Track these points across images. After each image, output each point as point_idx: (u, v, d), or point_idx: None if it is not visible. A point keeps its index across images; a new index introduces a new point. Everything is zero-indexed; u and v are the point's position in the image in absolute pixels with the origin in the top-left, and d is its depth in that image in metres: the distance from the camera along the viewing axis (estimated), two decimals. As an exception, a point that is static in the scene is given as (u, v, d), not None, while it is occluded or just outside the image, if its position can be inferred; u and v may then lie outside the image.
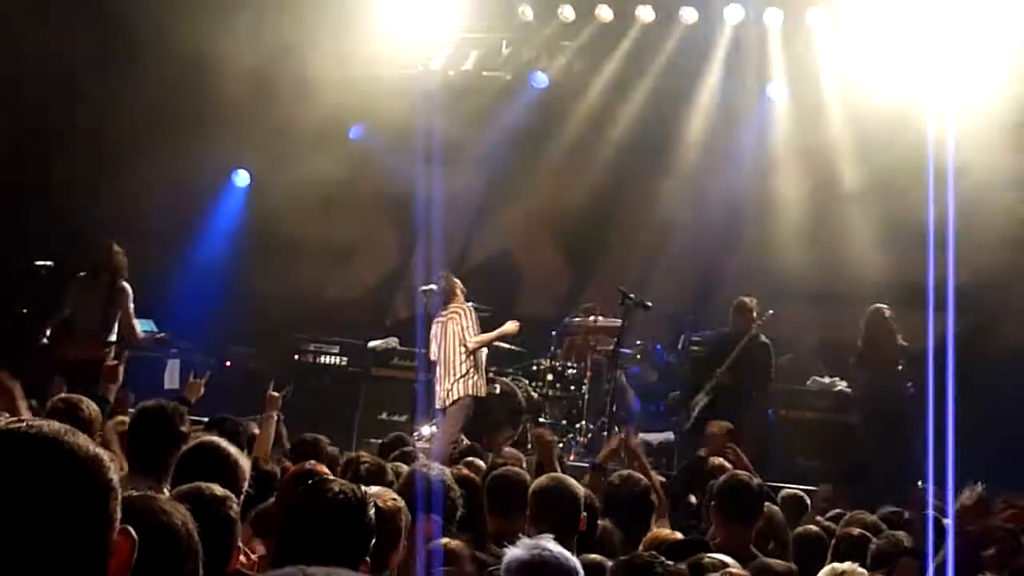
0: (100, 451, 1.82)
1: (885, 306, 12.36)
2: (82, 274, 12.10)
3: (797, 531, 6.80)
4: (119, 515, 1.81)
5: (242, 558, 3.78)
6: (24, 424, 1.80)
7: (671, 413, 13.67)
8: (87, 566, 1.76)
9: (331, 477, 4.39)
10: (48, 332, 11.72)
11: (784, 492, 8.28)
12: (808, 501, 8.36)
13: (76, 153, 13.30)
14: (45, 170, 13.39)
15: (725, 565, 4.73)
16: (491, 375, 13.14)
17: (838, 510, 8.06)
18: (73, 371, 10.72)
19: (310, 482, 4.46)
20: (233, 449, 4.40)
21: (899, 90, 13.27)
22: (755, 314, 12.40)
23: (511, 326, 12.38)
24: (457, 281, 12.38)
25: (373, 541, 3.75)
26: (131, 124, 14.25)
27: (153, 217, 13.51)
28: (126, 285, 12.03)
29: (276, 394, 8.01)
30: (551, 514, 5.27)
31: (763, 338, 12.41)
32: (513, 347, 13.83)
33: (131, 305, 12.09)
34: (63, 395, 6.05)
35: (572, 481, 5.79)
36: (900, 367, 12.27)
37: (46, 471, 1.74)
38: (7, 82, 13.83)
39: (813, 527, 6.98)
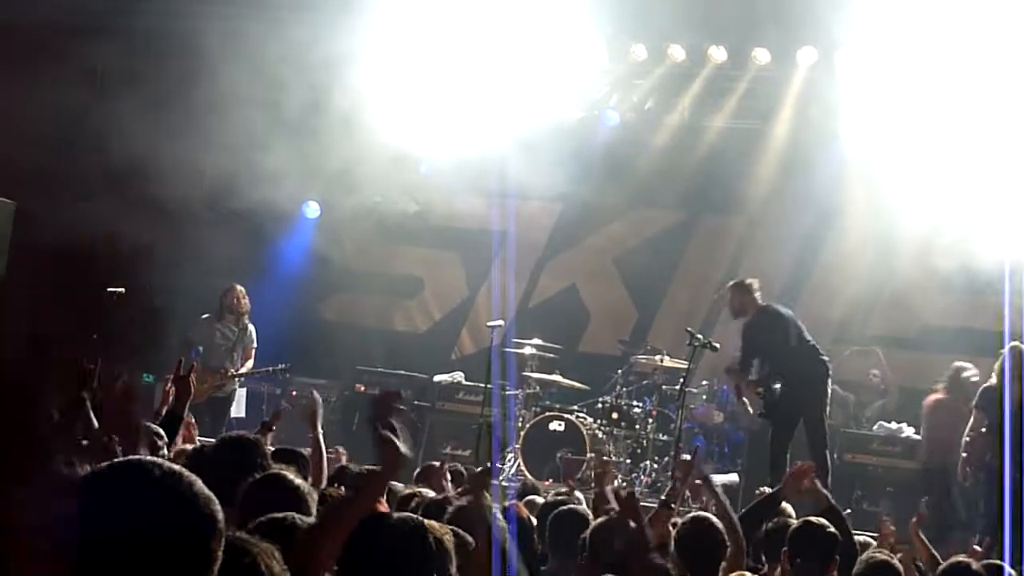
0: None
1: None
2: (206, 316, 12.88)
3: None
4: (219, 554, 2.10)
5: None
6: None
7: (736, 454, 13.60)
8: None
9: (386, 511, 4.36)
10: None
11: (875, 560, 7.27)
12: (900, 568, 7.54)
13: (147, 182, 13.45)
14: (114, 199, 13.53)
15: None
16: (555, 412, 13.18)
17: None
18: (202, 407, 11.40)
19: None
20: (300, 481, 4.40)
21: (973, 138, 13.08)
22: None
23: None
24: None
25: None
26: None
27: (220, 247, 13.64)
28: (251, 326, 12.81)
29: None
30: (608, 555, 5.21)
31: None
32: (576, 384, 13.81)
33: (254, 345, 12.90)
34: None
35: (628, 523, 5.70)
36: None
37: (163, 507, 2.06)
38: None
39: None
